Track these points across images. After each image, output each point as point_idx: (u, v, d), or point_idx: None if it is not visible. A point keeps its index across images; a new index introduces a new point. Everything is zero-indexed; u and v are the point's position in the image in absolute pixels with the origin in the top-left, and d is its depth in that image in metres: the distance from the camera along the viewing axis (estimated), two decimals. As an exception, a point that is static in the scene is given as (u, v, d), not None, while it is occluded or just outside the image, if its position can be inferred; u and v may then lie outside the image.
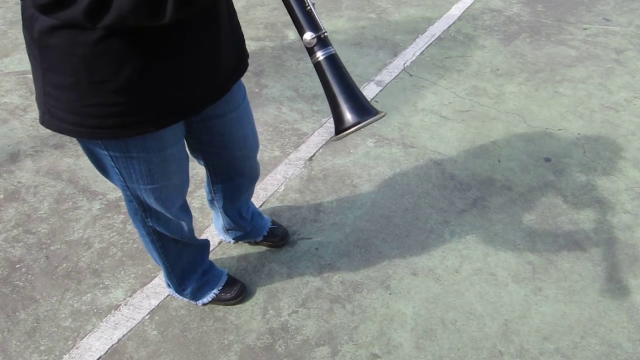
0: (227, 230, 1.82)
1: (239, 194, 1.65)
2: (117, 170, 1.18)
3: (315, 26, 0.91)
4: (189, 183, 1.41)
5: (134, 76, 0.98)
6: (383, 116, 0.95)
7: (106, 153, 1.13)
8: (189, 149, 1.42)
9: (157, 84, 1.02)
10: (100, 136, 1.07)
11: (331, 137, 0.98)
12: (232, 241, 1.91)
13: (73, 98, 1.00)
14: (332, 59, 0.93)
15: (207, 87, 1.15)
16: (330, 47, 0.93)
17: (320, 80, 0.95)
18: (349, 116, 0.93)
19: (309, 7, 0.91)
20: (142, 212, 1.34)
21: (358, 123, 0.91)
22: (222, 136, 1.36)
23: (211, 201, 1.69)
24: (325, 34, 0.93)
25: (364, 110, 0.93)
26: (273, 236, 1.90)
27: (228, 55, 1.17)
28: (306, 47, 0.93)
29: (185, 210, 1.46)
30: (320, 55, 0.92)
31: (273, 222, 1.93)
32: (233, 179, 1.56)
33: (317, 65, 0.93)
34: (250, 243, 1.92)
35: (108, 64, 0.96)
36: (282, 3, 0.93)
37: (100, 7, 0.81)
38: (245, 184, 1.61)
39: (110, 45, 0.93)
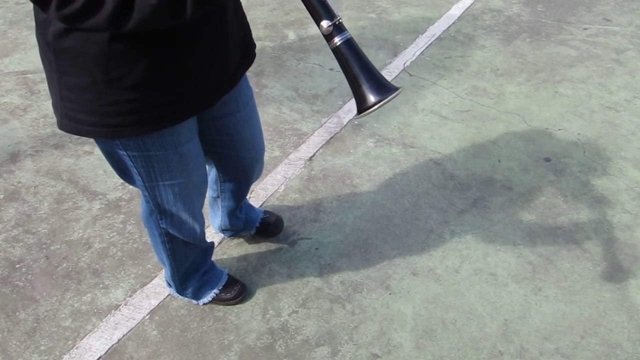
0: (223, 230, 1.85)
1: (242, 197, 1.68)
2: (136, 170, 1.20)
3: (330, 14, 0.96)
4: (207, 188, 1.42)
5: (147, 71, 1.00)
6: (401, 91, 1.00)
7: (125, 153, 1.15)
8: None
9: (170, 77, 1.04)
10: (120, 134, 1.09)
11: (354, 116, 1.03)
12: (227, 238, 1.92)
13: (90, 98, 1.01)
14: (349, 43, 0.99)
15: (219, 78, 1.17)
16: (346, 31, 0.98)
17: (340, 64, 1.01)
18: (370, 95, 0.99)
19: None
20: (157, 213, 1.34)
21: (380, 101, 0.98)
22: (231, 136, 1.37)
23: (215, 198, 1.70)
24: (340, 20, 0.97)
25: (384, 88, 0.99)
26: (266, 225, 1.91)
27: (235, 46, 1.19)
28: (323, 35, 0.98)
29: (200, 213, 1.47)
30: (337, 40, 0.97)
31: (265, 212, 1.94)
32: (240, 183, 1.59)
33: (336, 50, 0.99)
34: (246, 239, 1.92)
35: (122, 61, 0.97)
36: None
37: (123, 13, 0.84)
38: (248, 189, 1.65)
39: (123, 42, 0.95)
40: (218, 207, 1.72)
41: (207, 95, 1.16)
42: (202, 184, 1.37)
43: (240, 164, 1.49)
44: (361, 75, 1.00)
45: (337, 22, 0.97)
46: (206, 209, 1.96)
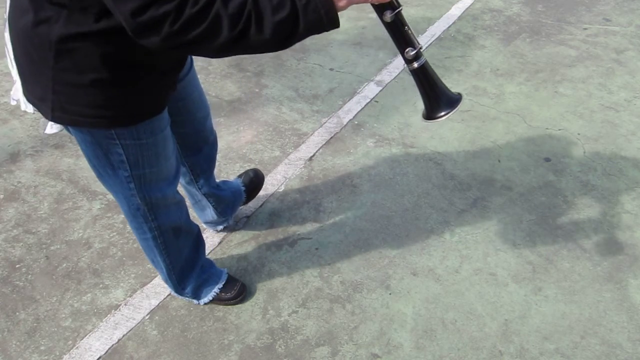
0: (219, 212, 1.81)
1: (212, 163, 1.70)
2: (124, 158, 1.20)
3: (413, 43, 1.12)
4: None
5: (149, 67, 1.05)
6: (462, 100, 1.22)
7: (117, 142, 1.16)
8: None
9: (168, 68, 1.11)
10: (120, 124, 1.12)
11: (423, 117, 1.27)
12: (231, 223, 1.95)
13: (92, 93, 1.04)
14: (425, 67, 1.16)
15: (184, 63, 1.28)
16: (423, 57, 1.15)
17: (417, 82, 1.20)
18: (441, 109, 1.21)
19: (407, 28, 1.11)
20: (144, 206, 1.35)
21: (449, 112, 1.20)
22: (184, 100, 1.43)
23: (189, 183, 1.68)
24: (421, 48, 1.14)
25: (452, 101, 1.21)
26: (250, 182, 1.97)
27: None
28: (406, 59, 1.15)
29: (177, 191, 1.49)
30: (416, 64, 1.15)
31: (239, 176, 2.01)
32: (202, 148, 1.62)
33: (415, 72, 1.17)
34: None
35: (129, 60, 1.01)
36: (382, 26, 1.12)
37: (232, 45, 0.89)
38: (213, 151, 1.69)
39: (133, 43, 0.96)
40: (199, 194, 1.71)
41: (179, 78, 1.26)
42: (179, 164, 1.44)
43: (195, 126, 1.55)
44: (434, 92, 1.21)
45: (419, 50, 1.13)
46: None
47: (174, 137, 1.52)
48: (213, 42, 0.87)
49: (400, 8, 1.07)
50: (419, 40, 1.14)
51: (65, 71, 1.01)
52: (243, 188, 1.93)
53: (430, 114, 1.23)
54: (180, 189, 1.54)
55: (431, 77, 1.19)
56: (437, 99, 1.21)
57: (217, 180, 1.83)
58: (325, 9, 0.91)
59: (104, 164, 1.23)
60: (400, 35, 1.12)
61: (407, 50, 1.12)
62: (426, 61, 1.17)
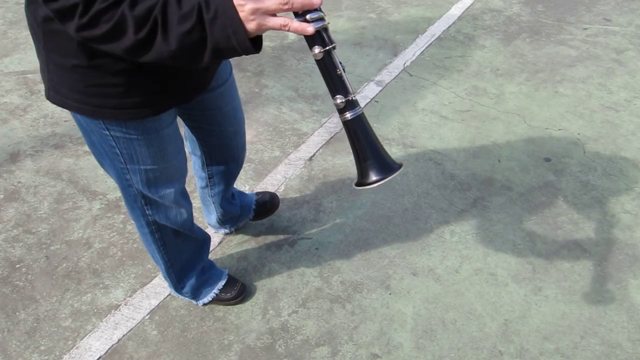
0: (222, 222, 1.83)
1: (232, 179, 1.68)
2: (117, 151, 1.19)
3: (345, 90, 0.99)
4: (187, 171, 1.42)
5: (131, 62, 1.01)
6: (402, 170, 1.05)
7: (107, 133, 1.15)
8: (186, 127, 1.46)
9: (154, 70, 1.06)
10: (102, 115, 1.10)
11: (353, 183, 1.09)
12: (232, 230, 1.93)
13: (75, 78, 1.03)
14: (359, 119, 1.02)
15: (200, 80, 1.22)
16: (358, 107, 1.02)
17: (348, 137, 1.05)
18: (372, 173, 1.04)
19: (339, 72, 0.98)
20: (141, 198, 1.33)
21: (381, 180, 1.03)
22: (214, 111, 1.40)
23: (204, 188, 1.68)
24: (354, 97, 1.01)
25: (387, 167, 1.04)
26: (263, 205, 1.93)
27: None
28: (336, 107, 1.01)
29: (185, 196, 1.45)
30: (348, 115, 1.01)
31: (257, 194, 1.96)
32: (228, 163, 1.60)
33: (346, 124, 1.03)
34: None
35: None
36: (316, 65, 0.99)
37: (141, 49, 0.87)
38: (237, 169, 1.66)
39: None
40: (209, 199, 1.71)
41: (187, 93, 1.20)
42: (182, 168, 1.38)
43: (224, 140, 1.51)
44: (367, 151, 1.04)
45: (350, 99, 1.00)
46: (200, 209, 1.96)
47: (200, 143, 1.51)
48: (121, 41, 0.86)
49: (331, 46, 0.95)
50: (352, 88, 1.00)
51: (53, 52, 1.02)
52: (254, 207, 1.91)
53: (360, 178, 1.06)
54: (189, 189, 1.51)
55: (366, 134, 1.03)
56: (369, 160, 1.04)
57: (234, 189, 1.80)
58: (232, 28, 0.84)
59: (100, 152, 1.22)
60: (330, 77, 0.99)
61: (336, 97, 0.99)
62: (362, 113, 1.01)
